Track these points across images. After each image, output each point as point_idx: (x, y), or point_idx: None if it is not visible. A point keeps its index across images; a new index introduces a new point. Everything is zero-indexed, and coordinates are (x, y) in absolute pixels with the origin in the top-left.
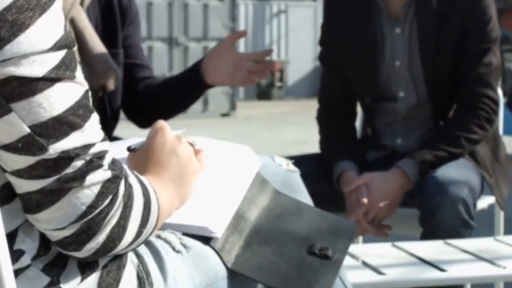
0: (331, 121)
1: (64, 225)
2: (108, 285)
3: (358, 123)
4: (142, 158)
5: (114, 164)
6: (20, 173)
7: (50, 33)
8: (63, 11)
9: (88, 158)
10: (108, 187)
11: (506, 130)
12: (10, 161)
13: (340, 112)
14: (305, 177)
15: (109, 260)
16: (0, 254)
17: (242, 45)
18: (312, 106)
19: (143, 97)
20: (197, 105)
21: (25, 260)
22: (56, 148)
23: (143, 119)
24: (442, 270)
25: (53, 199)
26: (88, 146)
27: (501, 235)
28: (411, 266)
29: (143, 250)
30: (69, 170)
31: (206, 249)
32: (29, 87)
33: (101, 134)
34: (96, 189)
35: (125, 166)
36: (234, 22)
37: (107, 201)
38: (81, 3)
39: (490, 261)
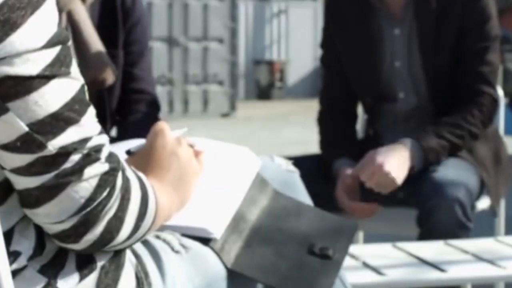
0: (332, 122)
1: (63, 219)
2: (106, 285)
3: (359, 125)
4: (142, 160)
5: (111, 157)
6: (19, 171)
7: (43, 31)
8: (60, 3)
9: (85, 152)
10: (106, 180)
11: (507, 130)
12: (9, 159)
13: (341, 113)
14: (305, 177)
15: (107, 260)
16: None
17: (242, 45)
18: (312, 106)
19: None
20: (197, 105)
21: (21, 261)
22: (55, 144)
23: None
24: (442, 270)
25: (52, 194)
26: (85, 140)
27: (502, 235)
28: (412, 266)
29: (141, 250)
30: (67, 165)
31: (206, 249)
32: (24, 85)
33: (97, 127)
34: (94, 182)
35: (122, 160)
36: (234, 22)
37: (105, 193)
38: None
39: (490, 262)
